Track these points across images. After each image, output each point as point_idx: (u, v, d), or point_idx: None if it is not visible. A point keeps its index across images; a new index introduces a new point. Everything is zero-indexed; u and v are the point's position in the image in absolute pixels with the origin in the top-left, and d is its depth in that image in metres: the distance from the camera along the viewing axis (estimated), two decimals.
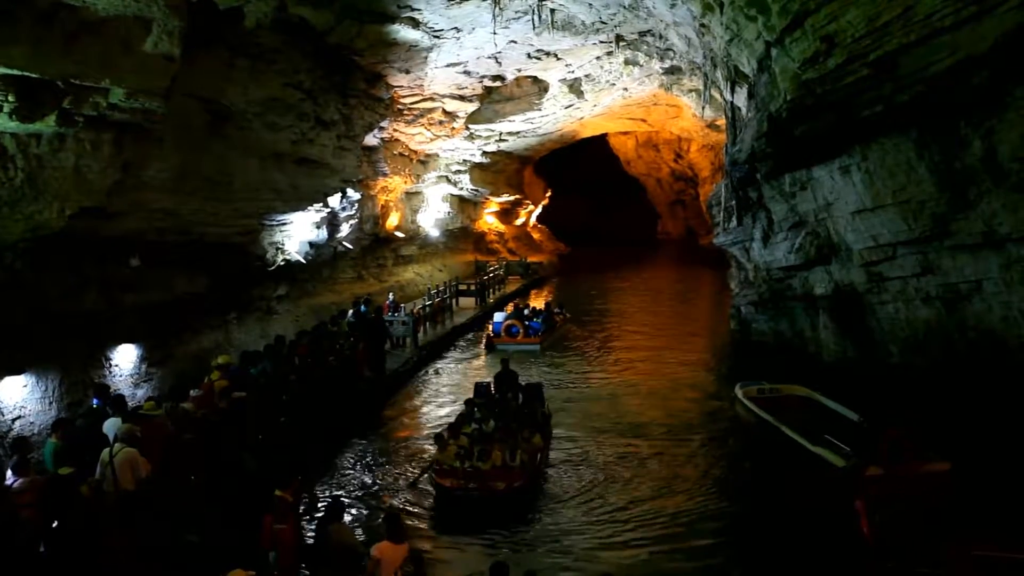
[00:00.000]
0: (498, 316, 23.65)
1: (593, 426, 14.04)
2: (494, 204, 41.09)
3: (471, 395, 14.01)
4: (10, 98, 7.77)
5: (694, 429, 13.90)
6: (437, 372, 19.19)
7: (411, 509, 10.37)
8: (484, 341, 22.28)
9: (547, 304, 25.55)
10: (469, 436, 11.34)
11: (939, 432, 10.73)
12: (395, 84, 20.07)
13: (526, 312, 23.42)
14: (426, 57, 18.40)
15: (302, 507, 8.94)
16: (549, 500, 10.64)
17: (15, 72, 7.66)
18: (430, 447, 12.25)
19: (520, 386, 14.15)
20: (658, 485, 11.08)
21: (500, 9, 15.80)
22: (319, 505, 10.18)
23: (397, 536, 7.15)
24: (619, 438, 13.30)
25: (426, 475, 11.12)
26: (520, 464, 10.60)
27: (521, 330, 21.80)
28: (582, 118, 30.28)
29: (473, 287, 30.14)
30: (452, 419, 12.62)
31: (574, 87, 24.42)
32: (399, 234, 28.64)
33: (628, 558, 8.91)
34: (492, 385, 14.30)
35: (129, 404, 10.09)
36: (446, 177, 32.16)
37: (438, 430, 12.22)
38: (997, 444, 10.27)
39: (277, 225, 17.43)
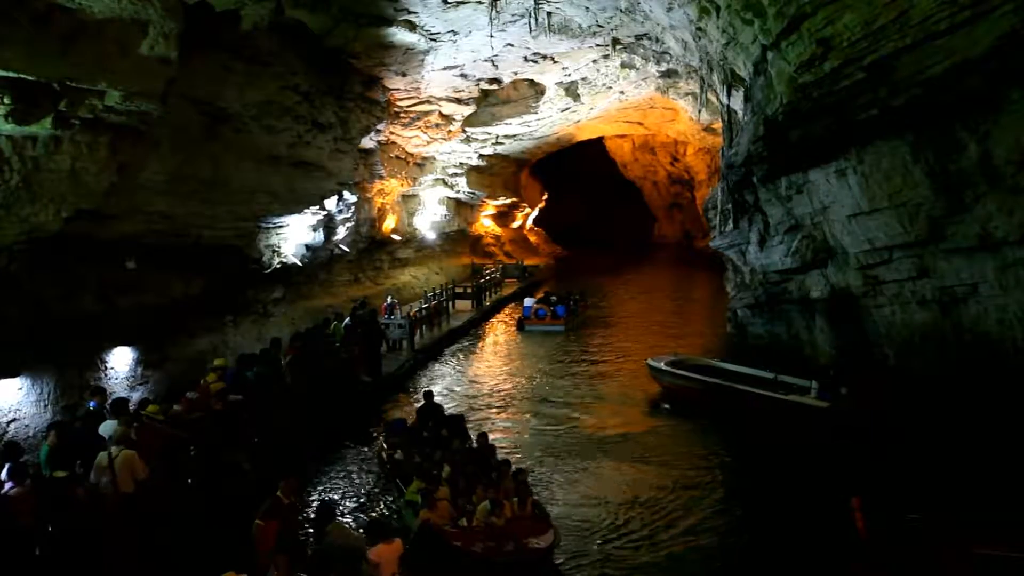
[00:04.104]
0: (528, 301, 26.82)
1: (594, 428, 14.09)
2: (491, 207, 41.08)
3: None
4: (6, 100, 7.77)
5: (699, 427, 14.01)
6: (432, 375, 19.16)
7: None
8: (516, 322, 25.93)
9: (568, 293, 28.89)
10: (450, 486, 9.44)
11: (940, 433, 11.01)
12: (392, 87, 20.08)
13: (553, 299, 26.65)
14: (423, 60, 18.40)
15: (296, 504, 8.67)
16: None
17: (11, 74, 7.66)
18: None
19: (445, 420, 12.32)
20: (671, 486, 11.20)
21: (497, 12, 15.81)
22: (310, 508, 10.11)
23: (387, 536, 7.17)
24: (624, 438, 13.42)
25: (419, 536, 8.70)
26: (537, 513, 9.05)
27: (548, 313, 25.28)
28: (578, 121, 30.31)
29: (469, 290, 30.14)
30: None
31: (570, 90, 24.47)
32: (395, 237, 28.64)
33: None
34: (416, 419, 12.47)
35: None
36: (443, 180, 32.16)
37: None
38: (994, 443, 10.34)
39: (273, 228, 17.42)
